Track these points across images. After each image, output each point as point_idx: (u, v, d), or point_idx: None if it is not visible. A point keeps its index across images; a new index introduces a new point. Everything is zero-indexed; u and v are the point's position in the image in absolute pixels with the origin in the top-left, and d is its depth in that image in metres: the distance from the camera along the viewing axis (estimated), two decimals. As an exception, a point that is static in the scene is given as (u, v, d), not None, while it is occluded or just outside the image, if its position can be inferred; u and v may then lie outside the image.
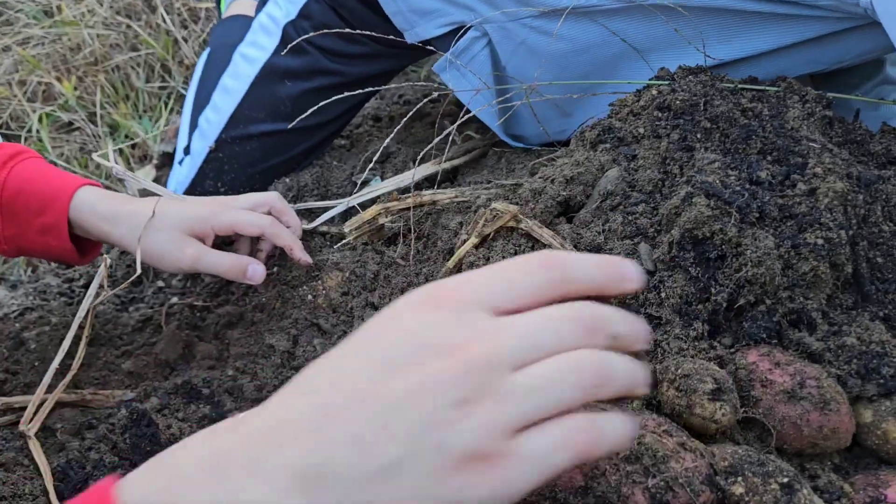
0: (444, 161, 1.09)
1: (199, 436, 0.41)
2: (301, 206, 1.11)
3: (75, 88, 1.63)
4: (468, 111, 1.32)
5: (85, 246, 0.98)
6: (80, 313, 0.88)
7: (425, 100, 1.02)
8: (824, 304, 0.69)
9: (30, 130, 1.57)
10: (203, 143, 1.32)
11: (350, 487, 0.35)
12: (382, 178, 1.19)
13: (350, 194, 1.18)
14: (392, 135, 0.97)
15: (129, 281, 0.87)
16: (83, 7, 1.72)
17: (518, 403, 0.37)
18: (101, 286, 0.88)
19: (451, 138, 1.26)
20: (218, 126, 1.32)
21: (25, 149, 0.96)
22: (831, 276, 0.69)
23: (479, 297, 0.40)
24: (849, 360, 0.65)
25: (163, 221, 0.90)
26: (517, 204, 0.81)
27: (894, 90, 1.16)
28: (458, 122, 0.94)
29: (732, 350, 0.68)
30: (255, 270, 0.95)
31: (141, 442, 0.81)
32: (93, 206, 0.91)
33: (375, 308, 0.94)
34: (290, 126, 1.12)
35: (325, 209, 1.10)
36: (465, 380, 0.37)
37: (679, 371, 0.63)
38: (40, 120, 1.58)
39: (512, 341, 0.38)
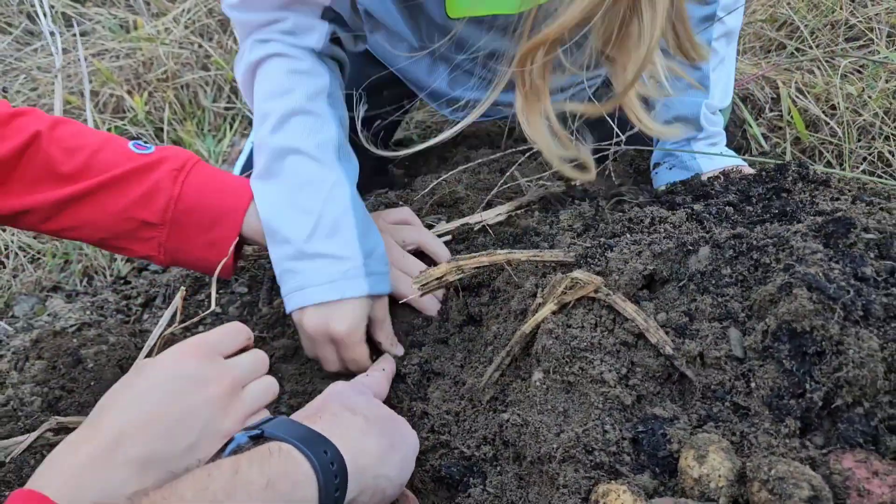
0: (514, 210, 1.08)
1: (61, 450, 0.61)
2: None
3: (145, 104, 1.65)
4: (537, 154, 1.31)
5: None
6: (151, 341, 0.87)
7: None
8: (926, 413, 0.65)
9: (97, 141, 1.59)
10: None
11: (169, 462, 0.63)
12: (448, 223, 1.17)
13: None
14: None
15: (202, 316, 0.86)
16: (160, 24, 1.74)
17: (248, 404, 0.74)
18: (174, 315, 0.87)
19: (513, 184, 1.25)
20: None
21: (186, 154, 0.94)
22: (936, 383, 0.65)
23: (214, 349, 0.74)
24: (952, 475, 0.62)
25: None
26: (601, 274, 0.79)
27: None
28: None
29: (824, 451, 0.65)
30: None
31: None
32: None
33: (426, 363, 0.93)
34: None
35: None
36: (223, 398, 0.71)
37: (773, 472, 0.60)
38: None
39: (238, 371, 0.74)
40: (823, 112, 1.68)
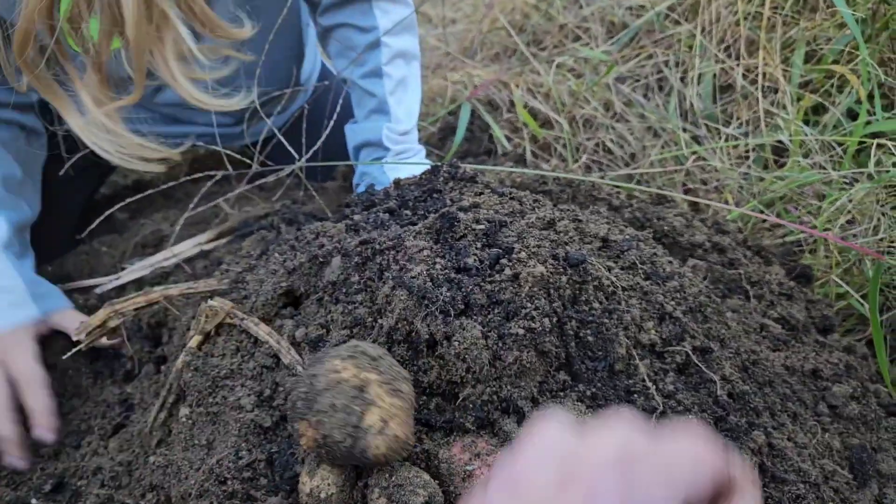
0: (207, 242, 1.05)
1: None
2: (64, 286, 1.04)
3: None
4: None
5: None
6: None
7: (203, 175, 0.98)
8: (535, 391, 0.68)
9: None
10: None
11: None
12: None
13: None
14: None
15: None
16: None
17: None
18: None
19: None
20: None
21: None
22: (541, 361, 0.69)
23: None
24: (550, 446, 0.65)
25: None
26: (237, 299, 0.77)
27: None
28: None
29: (441, 443, 0.67)
30: None
31: None
32: None
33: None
34: None
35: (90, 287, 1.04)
36: None
37: (393, 479, 0.60)
38: None
39: None
40: (554, 109, 1.78)
